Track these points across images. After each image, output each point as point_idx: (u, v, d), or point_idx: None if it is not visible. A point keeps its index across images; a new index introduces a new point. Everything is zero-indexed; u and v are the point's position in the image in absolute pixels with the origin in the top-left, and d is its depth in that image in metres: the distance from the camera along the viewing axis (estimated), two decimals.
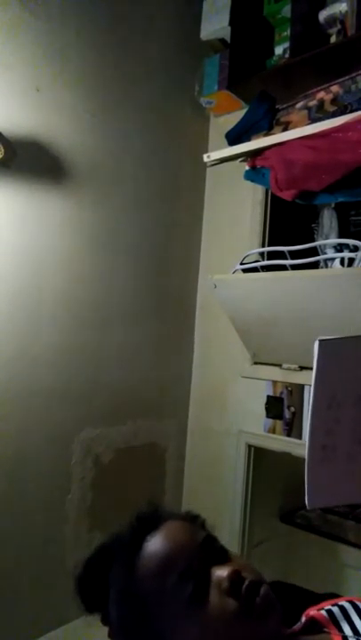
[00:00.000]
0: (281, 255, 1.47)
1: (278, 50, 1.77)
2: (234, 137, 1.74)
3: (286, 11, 1.72)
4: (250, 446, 1.83)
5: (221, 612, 0.53)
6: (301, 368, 1.65)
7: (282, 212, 1.80)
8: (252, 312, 1.58)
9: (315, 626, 0.62)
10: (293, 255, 1.44)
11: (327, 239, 1.62)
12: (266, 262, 1.50)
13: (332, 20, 1.59)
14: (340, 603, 0.64)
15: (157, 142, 1.88)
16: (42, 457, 1.48)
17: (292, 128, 1.56)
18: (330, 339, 0.56)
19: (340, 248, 1.52)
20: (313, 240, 1.58)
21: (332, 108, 1.50)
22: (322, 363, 0.57)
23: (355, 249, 1.38)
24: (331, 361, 0.56)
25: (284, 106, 1.65)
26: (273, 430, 1.75)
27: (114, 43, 1.70)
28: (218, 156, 1.76)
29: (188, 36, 1.96)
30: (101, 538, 1.63)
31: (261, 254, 1.64)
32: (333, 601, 0.66)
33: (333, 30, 1.60)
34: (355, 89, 1.48)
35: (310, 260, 1.38)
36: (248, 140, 1.66)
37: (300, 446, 1.63)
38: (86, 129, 1.62)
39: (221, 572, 0.56)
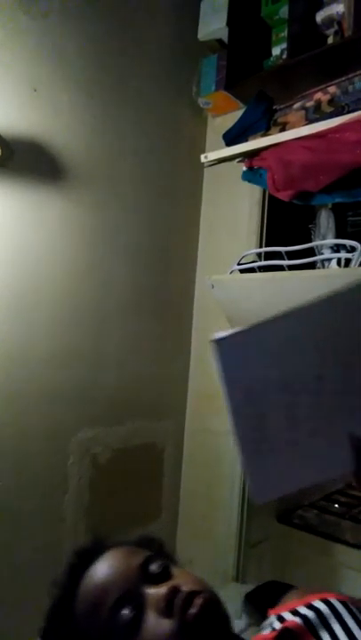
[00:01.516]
0: (278, 256, 1.47)
1: (276, 50, 1.78)
2: (231, 137, 1.74)
3: (284, 12, 1.72)
4: None
5: (157, 636, 0.52)
6: None
7: (279, 212, 1.81)
8: (249, 312, 1.58)
9: (290, 635, 0.58)
10: (291, 256, 1.44)
11: (324, 240, 1.63)
12: (263, 263, 1.50)
13: (329, 21, 1.60)
14: (315, 604, 0.60)
15: (155, 142, 1.88)
16: (38, 457, 1.48)
17: (289, 129, 1.56)
18: (223, 337, 0.52)
19: (337, 249, 1.53)
20: (310, 241, 1.59)
21: (329, 109, 1.50)
22: (223, 363, 0.53)
23: (352, 249, 1.38)
24: (231, 358, 0.51)
25: (282, 106, 1.66)
26: None
27: (111, 43, 1.70)
28: (215, 157, 1.76)
29: (185, 37, 1.96)
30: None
31: (259, 255, 1.64)
32: (305, 600, 0.61)
33: (331, 31, 1.60)
34: (352, 90, 1.48)
35: (307, 261, 1.39)
36: (245, 140, 1.67)
37: None
38: (84, 129, 1.62)
39: (157, 592, 0.54)
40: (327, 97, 1.52)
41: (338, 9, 1.57)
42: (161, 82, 1.90)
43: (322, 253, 1.52)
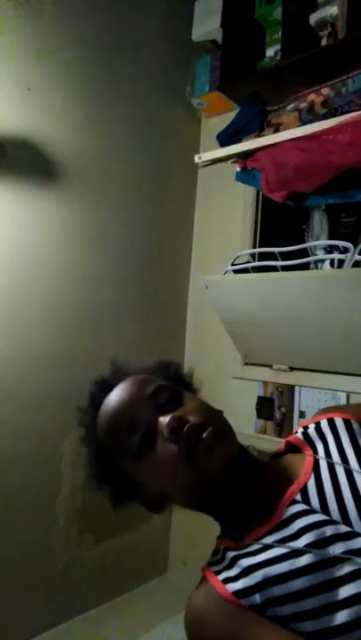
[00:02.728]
0: (272, 256, 1.47)
1: (270, 52, 1.78)
2: (225, 138, 1.75)
3: (277, 13, 1.73)
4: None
5: (165, 458, 0.58)
6: (292, 369, 1.65)
7: (273, 213, 1.81)
8: (242, 313, 1.59)
9: (293, 449, 0.67)
10: (284, 256, 1.45)
11: (318, 241, 1.63)
12: (257, 263, 1.51)
13: (322, 23, 1.60)
14: (320, 421, 0.68)
15: (149, 143, 1.88)
16: (31, 458, 1.47)
17: (283, 130, 1.57)
18: None
19: (330, 249, 1.53)
20: (304, 241, 1.59)
21: (322, 111, 1.51)
22: None
23: (345, 250, 1.39)
24: None
25: (275, 107, 1.66)
26: (264, 431, 1.76)
27: (105, 43, 1.70)
28: (209, 158, 1.76)
29: (179, 38, 1.96)
30: (92, 539, 1.63)
31: (252, 255, 1.64)
32: (315, 419, 0.69)
33: (324, 33, 1.61)
34: (345, 91, 1.49)
35: (301, 262, 1.39)
36: (239, 141, 1.67)
37: None
38: (77, 129, 1.62)
39: (163, 420, 0.59)
40: (321, 98, 1.52)
41: (331, 11, 1.57)
42: (155, 82, 1.90)
43: (315, 254, 1.52)
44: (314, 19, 1.62)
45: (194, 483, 0.58)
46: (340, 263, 1.39)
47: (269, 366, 1.71)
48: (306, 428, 0.68)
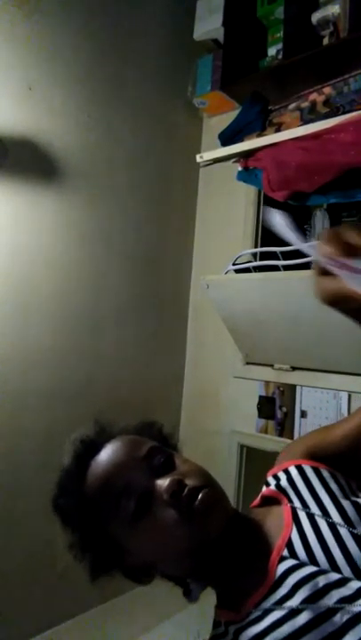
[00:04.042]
0: (273, 256, 1.47)
1: (271, 51, 1.78)
2: (227, 138, 1.74)
3: (279, 12, 1.72)
4: (242, 446, 1.83)
5: (165, 522, 0.56)
6: (293, 368, 1.65)
7: None
8: (244, 312, 1.59)
9: (269, 500, 0.66)
10: (286, 256, 1.45)
11: None
12: (258, 263, 1.51)
13: (324, 22, 1.60)
14: (289, 469, 0.67)
15: (150, 142, 1.87)
16: (34, 457, 1.47)
17: (284, 129, 1.56)
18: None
19: None
20: (306, 241, 1.59)
21: (324, 110, 1.51)
22: None
23: None
24: None
25: (277, 107, 1.66)
26: (265, 430, 1.76)
27: (107, 42, 1.70)
28: (211, 157, 1.76)
29: (181, 37, 1.96)
30: None
31: (254, 255, 1.64)
32: (283, 466, 0.69)
33: (326, 32, 1.61)
34: (347, 91, 1.49)
35: (303, 261, 1.39)
36: (241, 140, 1.67)
37: None
38: (79, 128, 1.62)
39: (162, 484, 0.57)
40: (322, 98, 1.52)
41: (333, 10, 1.57)
42: (156, 81, 1.90)
43: None
44: (316, 18, 1.62)
45: (194, 546, 0.56)
46: None
47: (271, 366, 1.71)
48: (277, 479, 0.67)
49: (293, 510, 0.60)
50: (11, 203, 1.42)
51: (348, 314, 0.52)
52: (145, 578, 0.62)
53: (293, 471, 0.66)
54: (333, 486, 0.62)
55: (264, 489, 0.68)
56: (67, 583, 1.55)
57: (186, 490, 0.56)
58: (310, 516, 0.58)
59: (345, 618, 0.47)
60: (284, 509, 0.61)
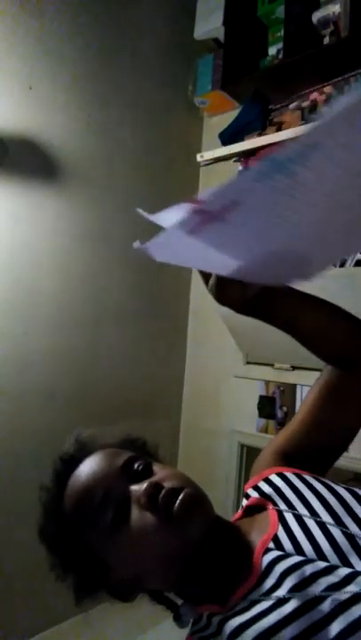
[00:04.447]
0: None
1: (272, 50, 1.78)
2: (227, 137, 1.74)
3: (280, 11, 1.72)
4: (242, 446, 1.83)
5: (142, 527, 0.54)
6: (293, 368, 1.65)
7: None
8: None
9: (254, 509, 0.64)
10: None
11: None
12: None
13: (325, 22, 1.60)
14: (271, 478, 0.66)
15: (150, 142, 1.87)
16: (33, 457, 1.47)
17: (285, 128, 1.56)
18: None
19: None
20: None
21: None
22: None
23: None
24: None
25: (278, 106, 1.66)
26: (265, 430, 1.75)
27: (107, 42, 1.70)
28: (211, 156, 1.76)
29: (181, 36, 1.96)
30: None
31: None
32: (262, 475, 0.68)
33: (327, 31, 1.60)
34: (348, 90, 1.48)
35: None
36: (242, 140, 1.67)
37: None
38: (79, 128, 1.61)
39: (139, 489, 0.56)
40: (323, 97, 1.52)
41: (334, 9, 1.57)
42: (157, 81, 1.89)
43: None
44: (316, 17, 1.62)
45: (175, 552, 0.54)
46: (343, 262, 1.38)
47: (271, 365, 1.71)
48: (258, 489, 0.66)
49: (280, 513, 0.59)
50: (11, 202, 1.42)
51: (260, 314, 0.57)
52: (131, 594, 0.61)
53: (275, 478, 0.65)
54: (319, 487, 0.61)
55: (245, 502, 0.67)
56: (67, 582, 1.55)
57: (163, 491, 0.55)
58: (298, 517, 0.57)
59: (333, 605, 0.46)
60: (270, 513, 0.60)
